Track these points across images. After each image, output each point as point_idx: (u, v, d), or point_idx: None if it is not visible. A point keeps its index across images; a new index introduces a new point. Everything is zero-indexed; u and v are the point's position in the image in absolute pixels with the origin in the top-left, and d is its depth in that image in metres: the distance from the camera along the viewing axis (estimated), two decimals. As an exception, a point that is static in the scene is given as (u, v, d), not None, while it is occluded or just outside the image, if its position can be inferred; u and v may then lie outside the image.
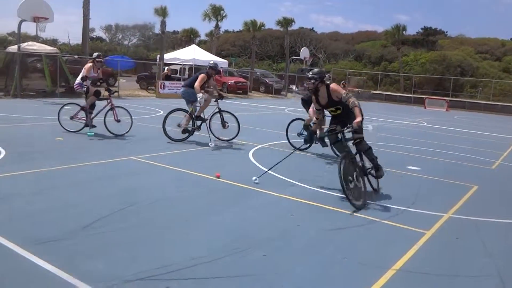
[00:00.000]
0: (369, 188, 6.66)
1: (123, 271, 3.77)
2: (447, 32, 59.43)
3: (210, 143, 9.77)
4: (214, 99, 10.35)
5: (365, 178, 6.59)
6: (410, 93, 41.20)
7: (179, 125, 10.18)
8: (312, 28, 67.11)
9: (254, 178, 6.97)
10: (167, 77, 26.66)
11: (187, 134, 10.17)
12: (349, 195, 5.95)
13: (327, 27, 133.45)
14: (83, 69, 10.38)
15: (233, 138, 10.47)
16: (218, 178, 7.10)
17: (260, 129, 13.67)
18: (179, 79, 27.55)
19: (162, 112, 16.52)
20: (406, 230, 5.37)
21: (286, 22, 38.11)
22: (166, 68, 27.22)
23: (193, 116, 10.16)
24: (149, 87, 27.47)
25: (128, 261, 3.99)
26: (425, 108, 34.27)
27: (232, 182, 6.92)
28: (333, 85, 6.76)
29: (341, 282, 3.96)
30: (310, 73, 6.86)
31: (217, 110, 10.35)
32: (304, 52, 37.58)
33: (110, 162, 7.84)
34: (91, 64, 10.28)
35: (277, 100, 29.60)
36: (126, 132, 10.31)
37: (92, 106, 10.42)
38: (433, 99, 36.62)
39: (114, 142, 9.74)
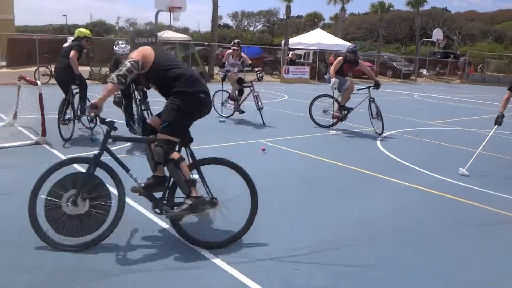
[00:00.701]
0: None
1: (252, 250, 3.90)
2: None
3: (331, 131, 9.60)
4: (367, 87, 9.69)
5: None
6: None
7: (325, 112, 10.12)
8: (446, 7, 62.73)
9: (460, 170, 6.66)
10: (292, 62, 26.84)
11: (335, 121, 9.82)
12: None
13: (462, 6, 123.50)
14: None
15: (382, 132, 9.60)
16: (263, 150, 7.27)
17: (387, 115, 13.09)
18: (303, 64, 27.60)
19: (286, 96, 16.73)
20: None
21: (417, 2, 35.94)
22: (291, 53, 27.39)
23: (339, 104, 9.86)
24: (273, 72, 27.92)
25: (256, 241, 4.10)
26: None
27: (357, 169, 6.77)
28: None
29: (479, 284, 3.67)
30: None
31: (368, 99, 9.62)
32: (437, 34, 35.16)
33: (239, 144, 8.14)
34: (230, 51, 10.57)
35: (406, 85, 28.20)
36: (265, 121, 10.16)
37: (240, 92, 10.48)
38: None
39: (241, 126, 10.08)
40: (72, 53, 7.31)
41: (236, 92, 10.46)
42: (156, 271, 3.46)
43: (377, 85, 9.61)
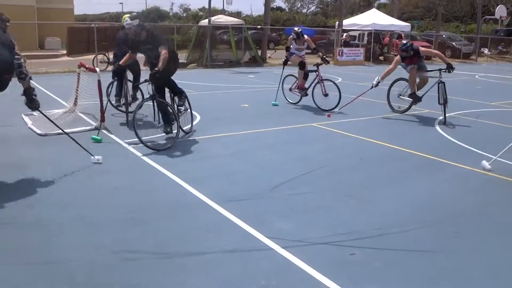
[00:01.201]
0: None
1: (308, 234, 3.87)
2: None
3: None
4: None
5: None
6: None
7: (399, 96, 9.60)
8: (510, -18, 58.89)
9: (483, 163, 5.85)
10: (346, 44, 26.27)
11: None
12: None
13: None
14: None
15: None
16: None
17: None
18: (357, 46, 26.95)
19: (340, 79, 16.41)
20: None
21: (478, -22, 34.12)
22: (345, 34, 26.79)
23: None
24: (327, 55, 27.43)
25: (313, 224, 4.08)
26: None
27: (415, 152, 6.55)
28: None
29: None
30: None
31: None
32: (500, 11, 33.17)
33: (293, 128, 8.09)
34: (291, 36, 10.34)
35: (466, 65, 26.92)
36: (333, 108, 9.49)
37: (305, 76, 10.09)
38: None
39: (296, 109, 10.00)
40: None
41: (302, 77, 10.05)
42: (211, 254, 3.51)
43: (449, 68, 8.82)
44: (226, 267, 3.35)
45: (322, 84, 9.68)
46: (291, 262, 3.41)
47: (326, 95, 9.59)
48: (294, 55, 10.15)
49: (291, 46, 10.17)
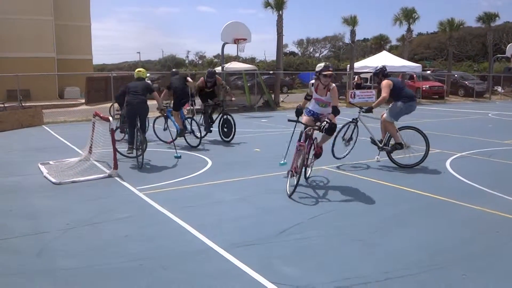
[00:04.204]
0: None
1: (314, 279, 3.87)
2: None
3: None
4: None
5: None
6: None
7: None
8: (520, 21, 59.40)
9: None
10: (358, 86, 26.53)
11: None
12: None
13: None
14: None
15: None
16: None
17: (458, 136, 12.57)
18: (369, 87, 27.20)
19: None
20: None
21: (488, 18, 34.46)
22: (357, 76, 27.12)
23: None
24: (340, 97, 27.71)
25: (320, 269, 4.08)
26: None
27: (424, 193, 6.52)
28: None
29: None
30: None
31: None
32: (511, 49, 33.43)
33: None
34: (313, 81, 9.38)
35: (479, 103, 26.89)
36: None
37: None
38: None
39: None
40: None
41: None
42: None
43: (368, 110, 8.18)
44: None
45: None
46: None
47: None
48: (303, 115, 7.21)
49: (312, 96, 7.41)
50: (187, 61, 61.05)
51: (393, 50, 46.58)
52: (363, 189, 6.91)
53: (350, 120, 8.53)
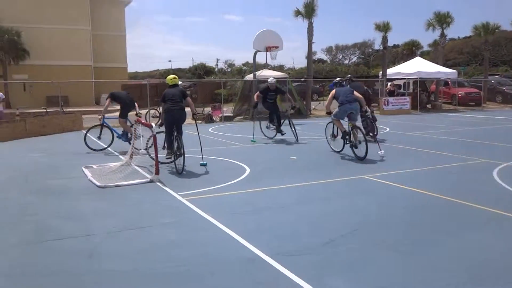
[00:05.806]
0: None
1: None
2: None
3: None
4: None
5: None
6: None
7: None
8: (559, 23, 57.60)
9: None
10: (391, 93, 26.19)
11: None
12: None
13: None
14: None
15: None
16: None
17: (503, 144, 12.18)
18: (403, 94, 26.81)
19: (388, 129, 16.29)
20: None
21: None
22: (390, 84, 26.77)
23: None
24: (372, 104, 27.36)
25: (363, 280, 3.99)
26: None
27: (472, 204, 6.31)
28: None
29: None
30: None
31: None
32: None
33: (344, 180, 8.04)
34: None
35: (518, 110, 26.13)
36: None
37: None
38: None
39: (345, 161, 9.97)
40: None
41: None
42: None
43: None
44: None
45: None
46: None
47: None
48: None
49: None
50: (216, 69, 61.44)
51: (424, 55, 45.75)
52: (407, 199, 6.78)
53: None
